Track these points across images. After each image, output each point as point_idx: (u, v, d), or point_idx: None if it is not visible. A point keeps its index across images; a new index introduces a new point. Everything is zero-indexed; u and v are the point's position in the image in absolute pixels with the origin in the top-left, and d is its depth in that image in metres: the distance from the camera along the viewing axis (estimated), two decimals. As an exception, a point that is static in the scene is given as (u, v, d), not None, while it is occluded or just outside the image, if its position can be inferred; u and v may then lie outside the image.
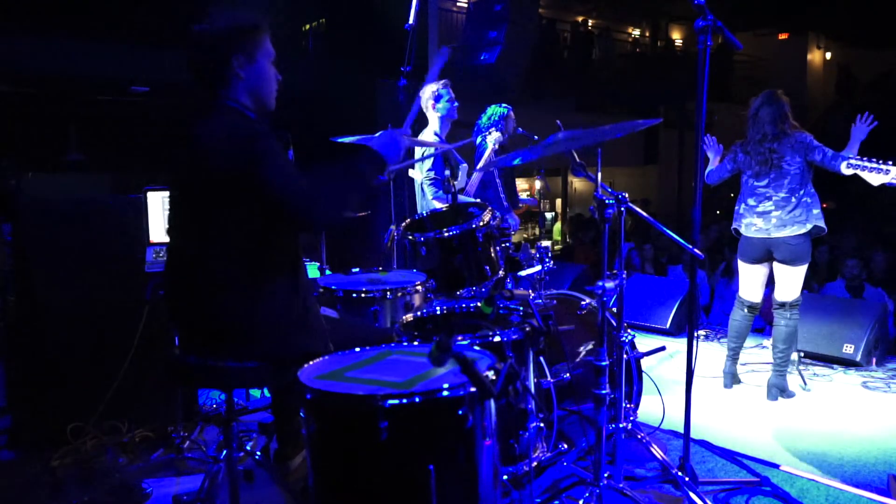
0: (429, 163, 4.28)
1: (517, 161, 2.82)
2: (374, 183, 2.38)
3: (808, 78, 19.90)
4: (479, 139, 4.70)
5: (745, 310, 4.20)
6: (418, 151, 4.39)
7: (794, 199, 3.92)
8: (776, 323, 4.07)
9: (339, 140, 3.41)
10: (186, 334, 2.24)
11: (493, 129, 4.56)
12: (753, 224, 4.04)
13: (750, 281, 4.17)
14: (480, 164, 4.52)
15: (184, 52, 2.14)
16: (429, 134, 4.40)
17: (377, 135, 2.27)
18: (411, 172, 4.45)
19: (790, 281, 4.00)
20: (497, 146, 4.34)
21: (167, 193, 3.46)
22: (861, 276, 6.25)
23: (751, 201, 4.05)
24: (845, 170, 3.74)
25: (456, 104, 4.42)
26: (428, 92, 4.38)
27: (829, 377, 4.51)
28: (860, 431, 3.59)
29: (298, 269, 2.23)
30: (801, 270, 3.99)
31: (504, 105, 4.79)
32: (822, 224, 3.93)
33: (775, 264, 4.04)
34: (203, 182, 2.09)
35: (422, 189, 4.37)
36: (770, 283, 4.19)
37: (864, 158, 3.58)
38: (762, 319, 5.77)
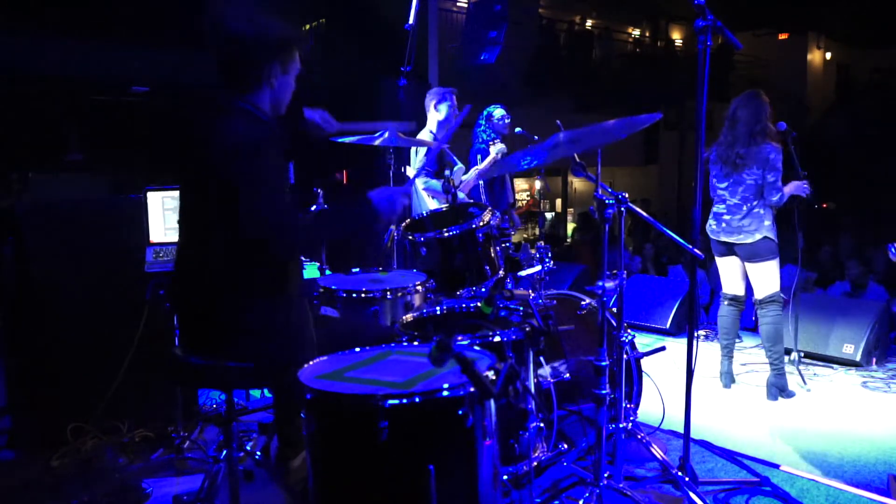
0: (422, 154, 4.36)
1: (525, 162, 2.82)
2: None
3: (808, 78, 19.91)
4: (480, 136, 4.75)
5: (727, 302, 4.23)
6: (413, 150, 4.47)
7: (745, 208, 3.94)
8: (760, 322, 4.08)
9: (339, 140, 3.42)
10: (187, 333, 2.24)
11: (498, 139, 4.61)
12: (710, 224, 4.14)
13: (724, 272, 4.22)
14: (480, 168, 4.55)
15: (183, 52, 2.14)
16: (425, 133, 4.49)
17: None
18: (408, 171, 4.49)
19: (759, 277, 4.02)
20: (500, 156, 4.39)
21: (167, 193, 3.47)
22: (863, 275, 6.30)
23: (714, 200, 4.13)
24: (775, 203, 3.84)
25: (456, 112, 4.47)
26: (434, 93, 4.50)
27: (829, 377, 4.51)
28: (860, 431, 3.59)
29: (289, 270, 2.21)
30: (768, 266, 3.98)
31: (500, 105, 4.85)
32: (772, 237, 3.93)
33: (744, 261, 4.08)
34: (208, 180, 2.10)
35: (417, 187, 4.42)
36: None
37: None
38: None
